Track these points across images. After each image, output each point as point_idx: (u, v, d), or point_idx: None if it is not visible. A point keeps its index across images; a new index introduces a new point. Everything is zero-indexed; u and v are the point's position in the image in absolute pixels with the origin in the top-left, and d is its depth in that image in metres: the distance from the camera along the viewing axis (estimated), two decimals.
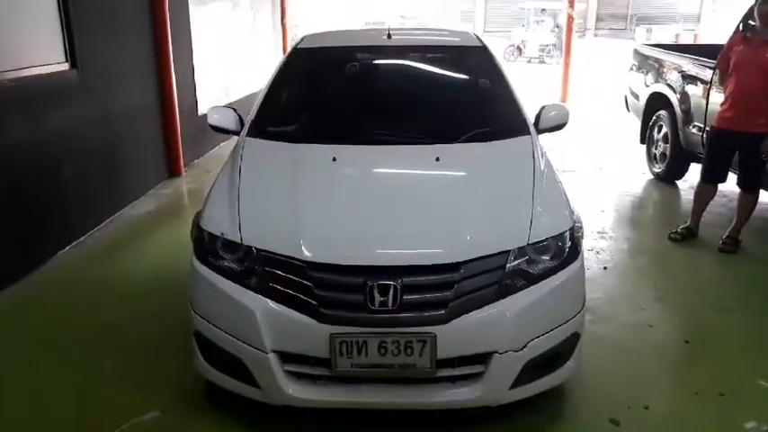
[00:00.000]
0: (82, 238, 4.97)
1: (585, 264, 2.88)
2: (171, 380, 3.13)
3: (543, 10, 24.17)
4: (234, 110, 3.70)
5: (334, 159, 3.09)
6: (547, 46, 22.84)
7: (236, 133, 3.58)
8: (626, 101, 7.66)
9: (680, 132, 5.97)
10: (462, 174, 3.13)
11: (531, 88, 11.92)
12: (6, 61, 4.18)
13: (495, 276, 2.50)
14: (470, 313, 2.45)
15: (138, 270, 4.47)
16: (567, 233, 2.71)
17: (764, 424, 2.83)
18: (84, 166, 5.05)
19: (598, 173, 7.03)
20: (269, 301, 2.50)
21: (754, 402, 3.00)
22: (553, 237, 2.66)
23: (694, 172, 5.68)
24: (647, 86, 6.81)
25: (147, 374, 3.20)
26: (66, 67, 4.84)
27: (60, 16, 4.76)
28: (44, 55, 4.60)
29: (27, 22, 4.44)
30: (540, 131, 3.56)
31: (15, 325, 3.76)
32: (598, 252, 4.75)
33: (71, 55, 4.87)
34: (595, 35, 32.62)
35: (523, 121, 3.52)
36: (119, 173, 5.66)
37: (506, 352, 2.48)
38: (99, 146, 5.31)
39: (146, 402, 2.95)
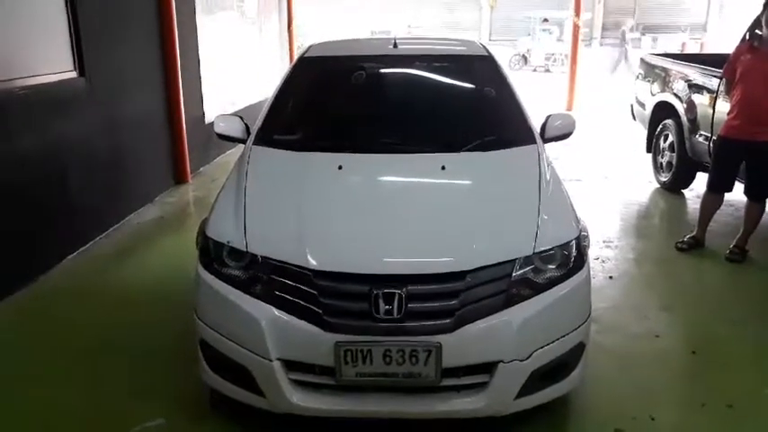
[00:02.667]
0: (87, 245, 4.99)
1: (591, 273, 2.87)
2: (175, 388, 3.13)
3: (546, 19, 24.21)
4: (240, 118, 3.71)
5: (340, 168, 3.10)
6: (552, 55, 22.86)
7: (243, 141, 3.59)
8: (632, 110, 7.65)
9: (686, 141, 5.96)
10: (468, 182, 3.13)
11: (536, 97, 11.93)
12: (15, 69, 4.21)
13: (501, 285, 2.50)
14: (476, 322, 2.43)
15: (143, 277, 4.47)
16: (573, 242, 2.70)
17: None
18: (91, 173, 5.07)
19: (604, 182, 7.02)
20: (274, 309, 2.49)
21: (762, 414, 2.98)
22: (559, 246, 2.65)
23: (701, 181, 5.65)
24: (654, 95, 6.80)
25: (151, 382, 3.20)
26: (74, 75, 4.88)
27: (69, 25, 4.80)
28: (52, 63, 4.64)
29: (36, 30, 4.47)
30: (545, 140, 3.55)
31: (20, 331, 3.77)
32: (604, 261, 4.73)
33: (79, 63, 4.91)
34: (601, 44, 32.63)
35: (529, 130, 3.52)
36: (125, 180, 5.68)
37: (512, 361, 2.47)
38: (105, 153, 5.33)
39: (150, 410, 2.95)
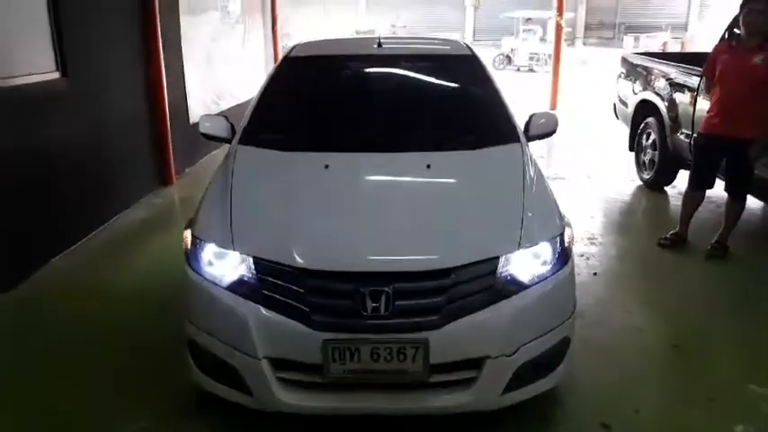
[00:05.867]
0: (73, 247, 4.95)
1: (576, 269, 2.90)
2: (164, 388, 3.12)
3: (529, 19, 24.40)
4: (226, 118, 3.71)
5: (327, 167, 3.11)
6: (536, 54, 23.01)
7: (228, 141, 3.59)
8: (614, 108, 7.73)
9: (668, 139, 6.04)
10: (453, 181, 3.16)
11: (520, 96, 11.99)
12: None
13: (487, 282, 2.52)
14: (463, 319, 2.46)
15: (130, 278, 4.45)
16: (558, 239, 2.74)
17: (753, 427, 2.86)
18: (75, 174, 5.04)
19: (587, 180, 7.09)
20: (261, 308, 2.50)
21: (743, 406, 3.03)
22: (544, 242, 2.68)
23: (682, 178, 5.73)
24: (636, 94, 6.88)
25: (139, 383, 3.19)
26: (56, 75, 4.84)
27: (51, 25, 4.76)
28: (35, 64, 4.60)
29: (18, 31, 4.43)
30: (529, 139, 3.59)
31: (5, 333, 3.73)
32: (588, 258, 4.78)
33: (62, 64, 4.87)
34: (584, 44, 32.90)
35: (513, 128, 3.55)
36: (110, 182, 5.64)
37: (498, 357, 2.50)
38: (90, 155, 5.29)
39: (137, 411, 2.95)
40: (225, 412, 2.82)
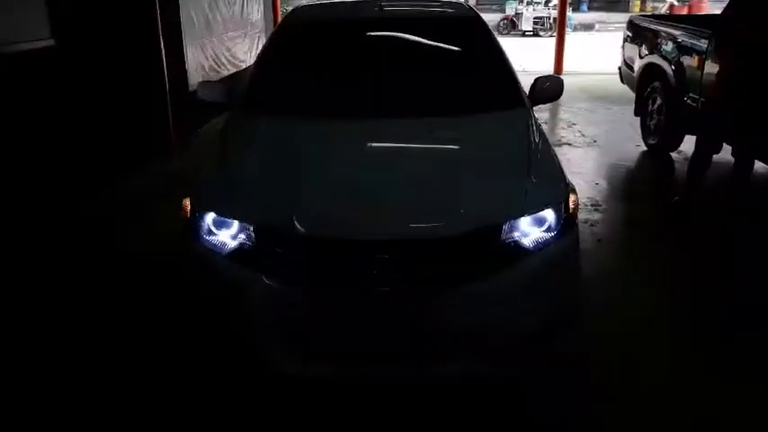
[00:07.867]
0: (65, 216, 4.90)
1: (580, 236, 2.87)
2: (165, 360, 3.11)
3: None
4: (224, 84, 3.65)
5: (327, 133, 3.06)
6: (541, 19, 22.63)
7: (227, 108, 3.53)
8: (620, 72, 7.61)
9: (674, 104, 5.94)
10: (457, 146, 3.11)
11: (525, 61, 11.82)
12: None
13: (491, 249, 2.49)
14: (466, 286, 2.43)
15: (126, 248, 4.42)
16: (562, 205, 2.69)
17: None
18: (71, 142, 4.99)
19: (592, 145, 7.01)
20: (262, 276, 2.48)
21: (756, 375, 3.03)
22: (548, 208, 2.64)
23: (689, 143, 5.65)
24: (642, 58, 6.76)
25: (139, 354, 3.18)
26: (51, 42, 4.76)
27: None
28: (28, 28, 4.52)
29: None
30: (534, 103, 3.53)
31: None
32: (593, 224, 4.74)
33: (56, 28, 4.78)
34: (590, 8, 32.35)
35: (518, 92, 3.48)
36: (106, 150, 5.59)
37: (502, 325, 2.48)
38: (85, 123, 5.24)
39: (138, 382, 2.95)
40: (227, 381, 2.82)
